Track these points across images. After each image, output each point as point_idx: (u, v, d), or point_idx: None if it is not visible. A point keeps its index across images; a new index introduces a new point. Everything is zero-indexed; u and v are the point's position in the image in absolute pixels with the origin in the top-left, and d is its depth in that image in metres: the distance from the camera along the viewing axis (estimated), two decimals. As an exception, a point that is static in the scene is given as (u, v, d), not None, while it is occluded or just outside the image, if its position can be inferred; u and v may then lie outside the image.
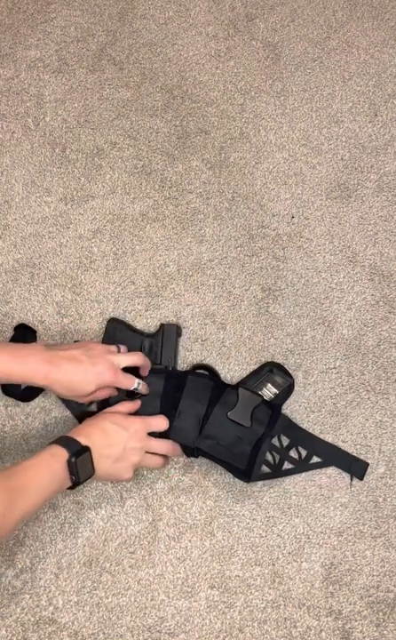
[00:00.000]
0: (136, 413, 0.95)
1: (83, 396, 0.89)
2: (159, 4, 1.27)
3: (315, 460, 1.00)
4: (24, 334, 1.01)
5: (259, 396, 0.99)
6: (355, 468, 1.01)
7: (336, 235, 1.15)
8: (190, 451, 0.97)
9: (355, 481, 1.01)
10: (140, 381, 0.94)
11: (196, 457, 0.98)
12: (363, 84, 1.25)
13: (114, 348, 0.94)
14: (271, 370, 1.03)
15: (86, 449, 0.83)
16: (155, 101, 1.20)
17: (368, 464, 1.01)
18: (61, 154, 1.16)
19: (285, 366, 1.05)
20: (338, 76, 1.26)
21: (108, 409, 0.93)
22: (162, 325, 1.04)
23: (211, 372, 1.03)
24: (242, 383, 1.02)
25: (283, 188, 1.17)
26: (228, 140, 1.19)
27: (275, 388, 1.02)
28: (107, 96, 1.20)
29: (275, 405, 1.00)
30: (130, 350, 0.97)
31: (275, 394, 1.01)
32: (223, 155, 1.18)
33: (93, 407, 0.99)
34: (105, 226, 1.12)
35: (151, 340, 1.02)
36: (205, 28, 1.27)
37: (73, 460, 0.81)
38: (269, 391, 1.01)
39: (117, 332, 1.02)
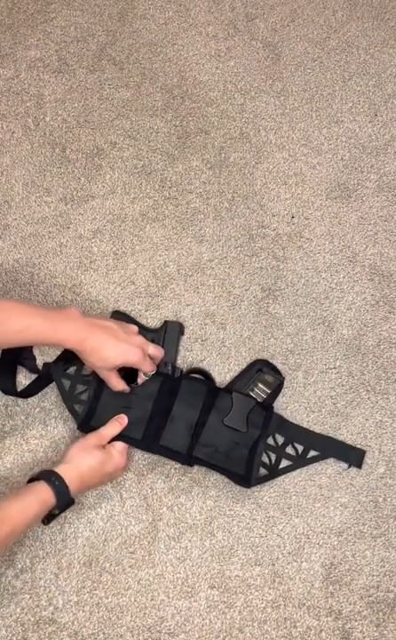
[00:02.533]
0: (129, 414, 0.97)
1: (105, 368, 0.92)
2: (159, 3, 1.27)
3: (313, 453, 1.00)
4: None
5: (253, 398, 0.99)
6: (353, 456, 1.01)
7: (336, 235, 1.15)
8: (184, 458, 0.97)
9: (355, 480, 1.01)
10: (153, 371, 0.97)
11: (191, 466, 0.97)
12: (363, 84, 1.25)
13: (148, 342, 0.97)
14: (260, 369, 1.03)
15: (72, 502, 0.87)
16: (155, 101, 1.20)
17: (364, 452, 1.01)
18: (61, 154, 1.16)
19: (275, 364, 1.05)
20: (338, 75, 1.26)
21: (95, 432, 0.94)
22: (165, 322, 1.04)
23: (206, 377, 1.03)
24: (233, 384, 1.02)
25: (283, 187, 1.17)
26: (228, 140, 1.19)
27: (266, 387, 1.02)
28: (107, 96, 1.20)
29: (268, 406, 1.00)
30: None
31: (267, 393, 1.01)
32: (223, 155, 1.18)
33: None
34: (105, 226, 1.12)
35: (153, 335, 1.02)
36: (205, 28, 1.26)
37: (56, 512, 0.86)
38: (261, 392, 1.01)
39: None
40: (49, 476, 0.85)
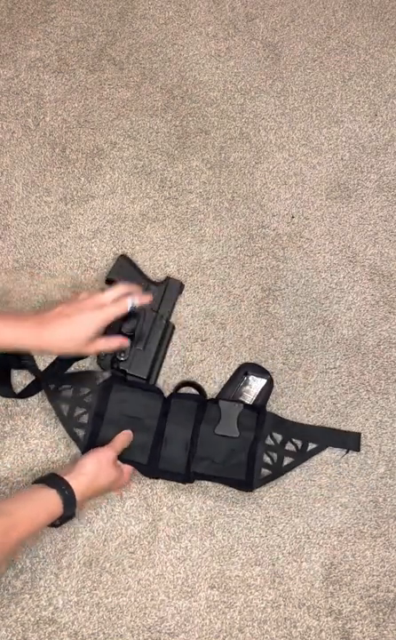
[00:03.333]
0: (134, 430, 0.97)
1: (82, 348, 0.88)
2: (159, 3, 1.27)
3: (312, 446, 1.01)
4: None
5: (240, 402, 0.99)
6: (349, 442, 1.01)
7: (336, 235, 1.15)
8: (183, 477, 0.96)
9: (355, 480, 1.01)
10: (132, 299, 0.91)
11: (192, 482, 0.97)
12: (363, 84, 1.25)
13: (101, 294, 0.91)
14: (246, 372, 1.03)
15: (73, 516, 0.85)
16: (155, 101, 1.20)
17: (360, 434, 1.01)
18: (61, 154, 1.16)
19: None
20: (338, 75, 1.26)
21: (111, 447, 0.92)
22: (167, 278, 1.06)
23: (197, 388, 1.03)
24: (222, 393, 1.02)
25: (283, 188, 1.17)
26: (228, 139, 1.19)
27: (254, 389, 1.02)
28: (107, 96, 1.20)
29: (259, 407, 1.00)
30: None
31: (256, 395, 1.01)
32: (223, 155, 1.18)
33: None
34: (105, 226, 1.12)
35: (155, 288, 1.05)
36: (205, 28, 1.26)
37: (57, 523, 0.84)
38: (249, 394, 1.01)
39: (124, 270, 1.05)
40: (60, 485, 0.83)
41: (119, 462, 0.93)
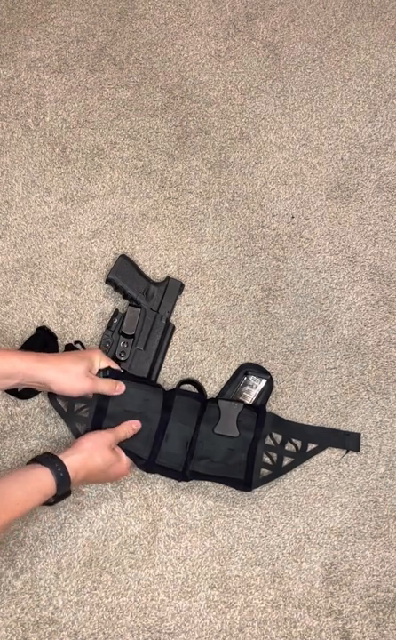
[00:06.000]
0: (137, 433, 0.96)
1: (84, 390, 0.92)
2: (159, 4, 1.27)
3: (312, 446, 1.01)
4: (45, 340, 1.01)
5: (240, 402, 0.99)
6: (349, 442, 1.01)
7: (336, 235, 1.15)
8: (180, 475, 0.96)
9: (355, 480, 1.01)
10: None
11: (187, 480, 0.96)
12: (363, 84, 1.25)
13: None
14: (246, 372, 1.03)
15: (69, 493, 0.85)
16: (155, 101, 1.20)
17: (360, 434, 1.02)
18: (61, 154, 1.16)
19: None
20: (338, 75, 1.26)
21: (112, 430, 0.92)
22: (168, 278, 1.07)
23: (197, 387, 1.03)
24: (222, 393, 1.02)
25: (283, 188, 1.17)
26: (228, 140, 1.19)
27: (254, 389, 1.02)
28: (107, 96, 1.20)
29: (259, 406, 1.00)
30: (132, 289, 1.04)
31: (256, 395, 1.01)
32: (223, 155, 1.18)
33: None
34: (105, 226, 1.12)
35: (155, 288, 1.05)
36: (205, 28, 1.26)
37: (52, 501, 0.83)
38: (249, 394, 1.02)
39: (124, 269, 1.05)
40: (54, 462, 0.82)
41: (120, 450, 0.92)
